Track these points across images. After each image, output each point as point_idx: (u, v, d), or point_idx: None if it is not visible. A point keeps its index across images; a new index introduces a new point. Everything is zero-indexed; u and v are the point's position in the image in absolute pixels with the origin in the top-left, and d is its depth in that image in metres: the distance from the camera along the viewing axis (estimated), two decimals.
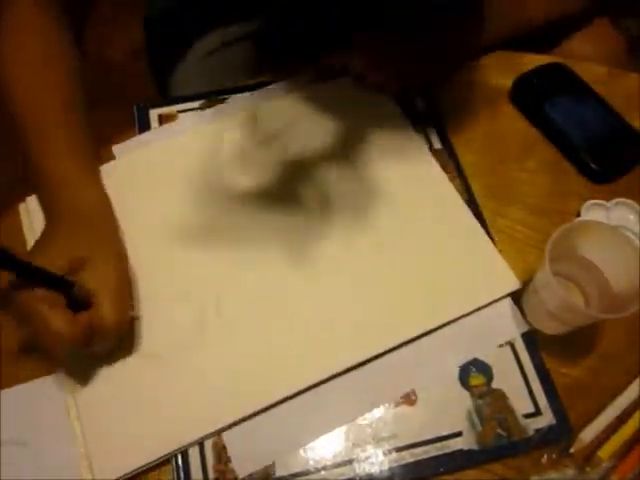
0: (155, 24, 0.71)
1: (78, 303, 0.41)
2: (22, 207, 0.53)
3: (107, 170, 0.54)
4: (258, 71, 0.62)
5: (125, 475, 0.42)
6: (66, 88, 0.51)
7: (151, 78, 0.75)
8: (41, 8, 0.51)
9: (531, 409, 0.45)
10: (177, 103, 0.59)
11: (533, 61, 0.62)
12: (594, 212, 0.53)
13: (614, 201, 0.54)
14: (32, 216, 0.52)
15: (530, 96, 0.60)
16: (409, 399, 0.46)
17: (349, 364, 0.46)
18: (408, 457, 0.44)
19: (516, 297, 0.50)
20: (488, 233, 0.52)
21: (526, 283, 0.49)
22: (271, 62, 0.66)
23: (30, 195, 0.53)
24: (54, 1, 0.52)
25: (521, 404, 0.46)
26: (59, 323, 0.39)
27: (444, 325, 0.48)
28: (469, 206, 0.53)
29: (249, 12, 0.67)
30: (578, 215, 0.54)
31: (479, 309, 0.49)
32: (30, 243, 0.51)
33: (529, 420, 0.45)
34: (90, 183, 0.50)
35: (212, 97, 0.59)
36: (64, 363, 0.45)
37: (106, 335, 0.42)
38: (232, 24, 0.68)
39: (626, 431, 0.44)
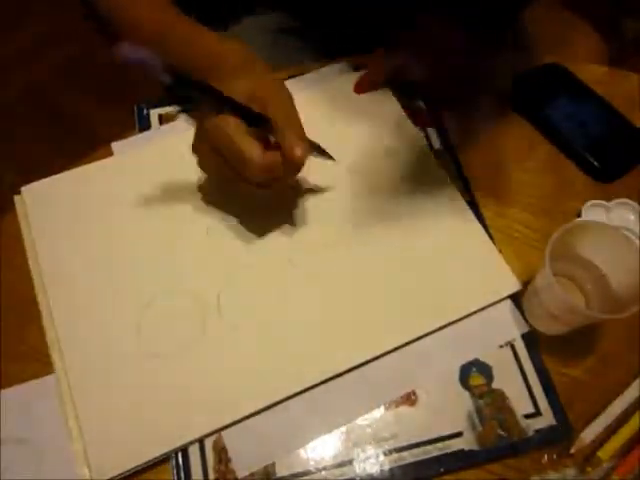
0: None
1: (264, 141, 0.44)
2: (17, 199, 0.53)
3: (105, 166, 0.54)
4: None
5: (123, 474, 0.42)
6: None
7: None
8: None
9: (531, 409, 0.45)
10: (177, 103, 0.59)
11: (533, 61, 0.62)
12: (594, 212, 0.53)
13: (614, 201, 0.54)
14: (27, 208, 0.52)
15: (530, 96, 0.60)
16: (409, 399, 0.46)
17: (350, 365, 0.46)
18: (408, 457, 0.44)
19: (516, 297, 0.50)
20: (488, 233, 0.52)
21: (526, 283, 0.49)
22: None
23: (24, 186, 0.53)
24: None
25: (521, 404, 0.46)
26: (253, 151, 0.42)
27: (445, 326, 0.48)
28: (470, 206, 0.54)
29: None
30: (578, 215, 0.54)
31: (479, 310, 0.49)
32: (26, 234, 0.51)
33: (529, 420, 0.45)
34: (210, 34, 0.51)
35: None
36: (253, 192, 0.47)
37: (294, 165, 0.44)
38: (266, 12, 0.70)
39: (626, 431, 0.44)
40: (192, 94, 0.41)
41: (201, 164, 0.48)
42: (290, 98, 0.46)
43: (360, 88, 0.58)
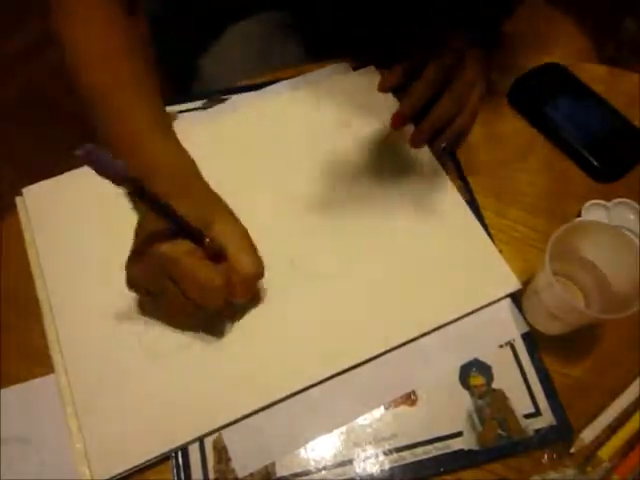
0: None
1: (212, 257, 0.42)
2: (19, 200, 0.53)
3: None
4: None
5: (123, 473, 0.42)
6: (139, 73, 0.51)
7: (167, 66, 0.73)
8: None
9: (531, 409, 0.45)
10: (177, 103, 0.59)
11: (533, 61, 0.62)
12: (594, 212, 0.53)
13: (614, 201, 0.54)
14: (29, 209, 0.52)
15: (530, 97, 0.60)
16: (409, 399, 0.46)
17: (350, 364, 0.46)
18: (408, 457, 0.44)
19: (516, 297, 0.50)
20: (488, 233, 0.52)
21: (526, 283, 0.49)
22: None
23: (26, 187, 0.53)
24: None
25: (521, 404, 0.46)
26: (207, 273, 0.39)
27: (444, 325, 0.48)
28: (470, 206, 0.54)
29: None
30: (578, 215, 0.54)
31: (479, 309, 0.49)
32: (27, 235, 0.51)
33: (529, 420, 0.45)
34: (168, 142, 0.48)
35: (212, 97, 0.59)
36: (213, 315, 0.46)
37: (247, 285, 0.43)
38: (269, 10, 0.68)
39: (626, 431, 0.44)
40: (144, 205, 0.37)
41: (133, 281, 0.43)
42: (241, 225, 0.44)
43: (398, 123, 0.55)
